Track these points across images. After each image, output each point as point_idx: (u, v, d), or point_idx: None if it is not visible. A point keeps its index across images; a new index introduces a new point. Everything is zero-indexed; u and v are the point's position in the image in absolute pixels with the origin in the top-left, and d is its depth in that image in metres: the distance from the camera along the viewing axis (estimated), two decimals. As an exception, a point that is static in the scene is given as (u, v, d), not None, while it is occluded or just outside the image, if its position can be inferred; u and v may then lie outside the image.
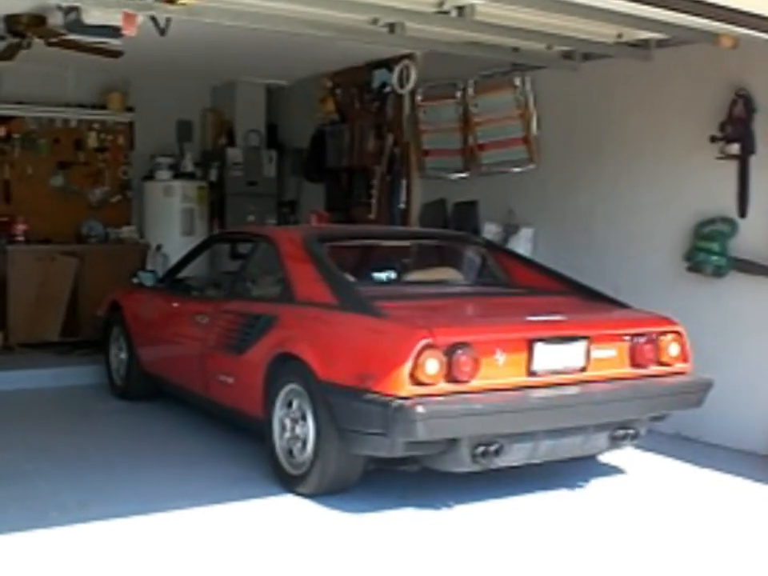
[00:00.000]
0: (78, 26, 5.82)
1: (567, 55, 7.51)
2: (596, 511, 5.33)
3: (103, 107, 10.89)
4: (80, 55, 7.49)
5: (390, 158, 9.63)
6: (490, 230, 8.26)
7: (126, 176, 11.22)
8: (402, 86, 9.21)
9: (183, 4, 5.48)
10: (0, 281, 9.66)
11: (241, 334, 6.14)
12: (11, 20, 6.99)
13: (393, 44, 7.26)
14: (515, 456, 5.17)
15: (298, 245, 6.16)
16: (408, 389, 4.77)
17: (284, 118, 11.76)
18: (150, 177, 10.88)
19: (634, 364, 5.50)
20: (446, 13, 6.01)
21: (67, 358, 9.31)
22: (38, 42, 7.19)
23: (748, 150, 6.42)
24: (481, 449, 4.97)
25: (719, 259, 6.55)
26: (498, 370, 5.06)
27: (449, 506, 5.25)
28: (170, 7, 5.53)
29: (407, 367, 4.76)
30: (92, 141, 10.93)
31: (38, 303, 9.73)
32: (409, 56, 9.09)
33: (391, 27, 6.30)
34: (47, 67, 9.67)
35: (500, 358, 5.05)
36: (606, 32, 6.62)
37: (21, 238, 9.88)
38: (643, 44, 6.91)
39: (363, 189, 9.99)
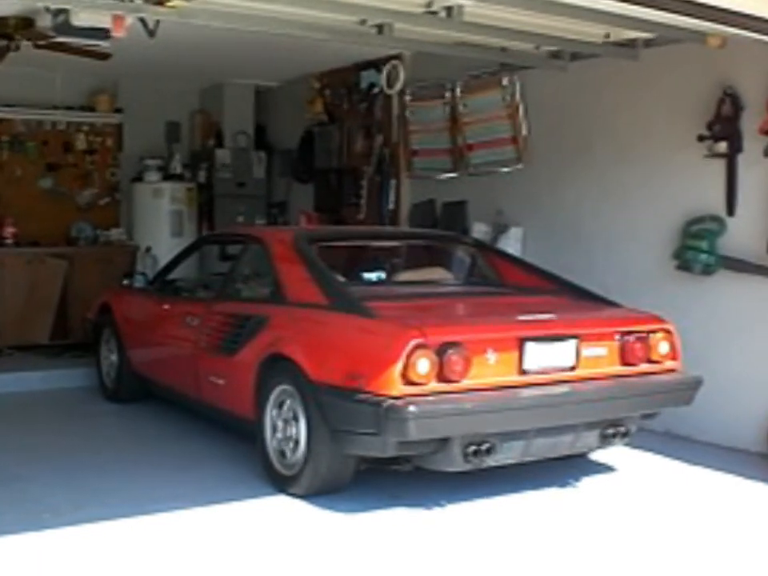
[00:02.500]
0: (67, 28, 5.78)
1: (555, 55, 7.53)
2: (587, 509, 5.35)
3: (92, 109, 10.89)
4: (68, 57, 7.49)
5: (378, 159, 9.63)
6: (480, 230, 8.27)
7: (114, 178, 11.22)
8: (390, 87, 9.22)
9: (173, 6, 5.49)
10: (-11, 283, 9.66)
11: (231, 335, 6.14)
12: (-1, 22, 6.98)
13: (381, 45, 7.25)
14: (507, 455, 5.19)
15: (287, 245, 6.16)
16: (399, 388, 4.78)
17: (273, 119, 11.76)
18: (138, 178, 10.86)
19: (624, 362, 5.53)
20: (434, 13, 6.02)
21: (57, 361, 9.30)
22: (26, 44, 7.17)
23: (736, 148, 6.45)
24: (472, 448, 4.99)
25: (708, 257, 6.58)
26: (489, 370, 5.08)
27: (441, 505, 5.26)
28: (159, 9, 5.54)
29: (398, 367, 4.77)
30: (80, 143, 10.93)
31: (28, 306, 9.72)
32: (397, 56, 9.09)
33: (380, 28, 6.29)
34: (35, 69, 9.62)
35: (491, 357, 5.07)
36: (593, 32, 6.65)
37: (9, 241, 9.88)
38: (631, 44, 6.93)
39: (352, 189, 10.00)
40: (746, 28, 5.53)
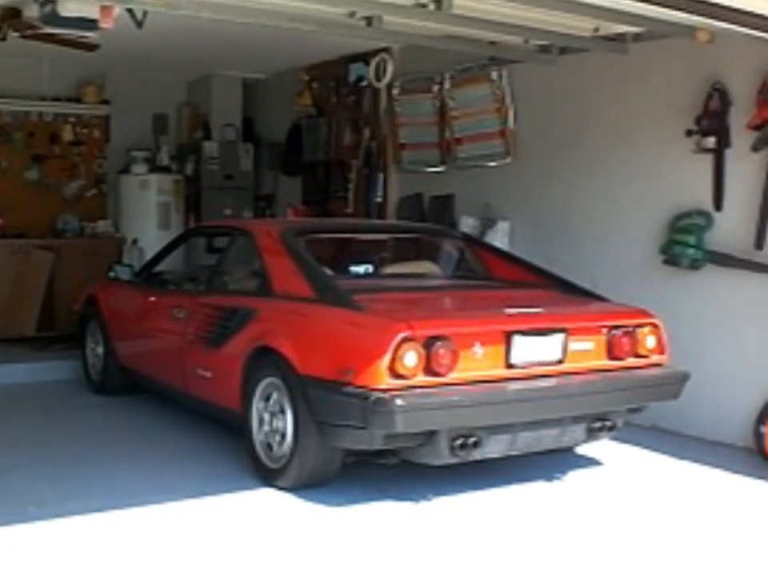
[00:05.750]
0: (54, 19, 5.75)
1: (544, 49, 7.53)
2: (573, 503, 5.35)
3: (79, 100, 10.83)
4: (56, 48, 7.43)
5: (366, 152, 9.64)
6: (467, 224, 8.26)
7: (101, 170, 11.16)
8: (378, 80, 9.21)
9: (161, -4, 5.47)
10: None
11: (218, 327, 6.13)
12: (-15, 12, 6.94)
13: (370, 37, 7.24)
14: (493, 448, 5.19)
15: (275, 238, 6.15)
16: (387, 382, 4.78)
17: (260, 111, 11.74)
18: (125, 170, 10.83)
19: (612, 356, 5.53)
20: (423, 6, 6.00)
21: (43, 353, 9.25)
22: (13, 34, 7.12)
23: (724, 143, 6.46)
24: (459, 441, 4.98)
25: (695, 252, 6.59)
26: (477, 363, 5.07)
27: (427, 498, 5.26)
28: (147, 0, 5.51)
29: (386, 360, 4.77)
30: (67, 134, 10.85)
31: (13, 298, 9.69)
32: (386, 49, 9.09)
33: (368, 20, 6.29)
34: (22, 60, 9.60)
35: (478, 350, 5.07)
36: (582, 26, 6.65)
37: (-5, 232, 9.85)
38: (620, 38, 6.95)
39: (340, 182, 10.00)
40: (735, 22, 5.52)
